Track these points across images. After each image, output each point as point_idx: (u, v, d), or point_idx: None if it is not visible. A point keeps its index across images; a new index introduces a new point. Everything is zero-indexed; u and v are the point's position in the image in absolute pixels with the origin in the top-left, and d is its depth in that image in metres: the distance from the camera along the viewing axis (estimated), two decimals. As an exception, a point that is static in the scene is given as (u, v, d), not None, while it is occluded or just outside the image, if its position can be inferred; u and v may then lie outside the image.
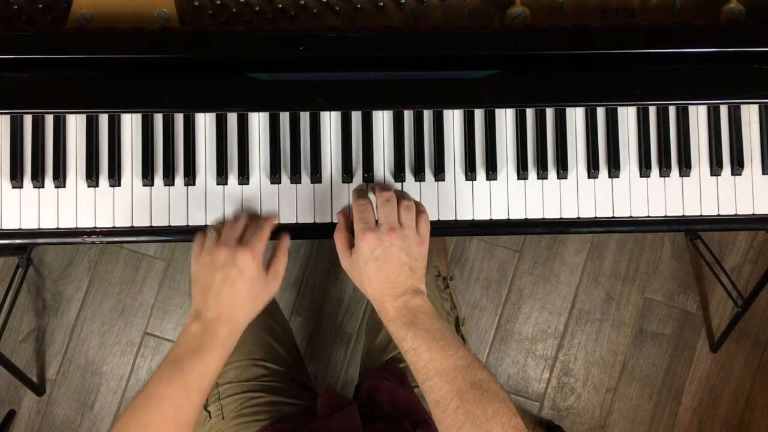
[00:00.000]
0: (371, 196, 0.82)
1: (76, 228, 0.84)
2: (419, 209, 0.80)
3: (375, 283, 0.75)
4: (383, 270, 0.74)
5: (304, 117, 0.85)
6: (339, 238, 0.80)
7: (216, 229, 0.76)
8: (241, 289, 0.72)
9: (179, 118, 0.84)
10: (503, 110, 0.86)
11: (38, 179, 0.83)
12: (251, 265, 0.72)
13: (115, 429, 0.66)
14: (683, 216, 0.86)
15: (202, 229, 0.81)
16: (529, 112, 0.86)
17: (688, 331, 1.66)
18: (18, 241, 0.84)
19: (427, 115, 0.85)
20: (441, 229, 0.85)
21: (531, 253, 1.66)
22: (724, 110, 0.87)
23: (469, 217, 0.86)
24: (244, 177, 0.84)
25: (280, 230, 0.81)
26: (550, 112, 0.86)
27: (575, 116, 0.86)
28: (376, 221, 0.77)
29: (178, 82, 0.80)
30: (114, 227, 0.84)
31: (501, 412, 0.65)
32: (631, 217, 0.86)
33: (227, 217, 0.79)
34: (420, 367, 0.71)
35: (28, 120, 0.84)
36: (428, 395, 0.70)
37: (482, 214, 0.86)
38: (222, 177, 0.84)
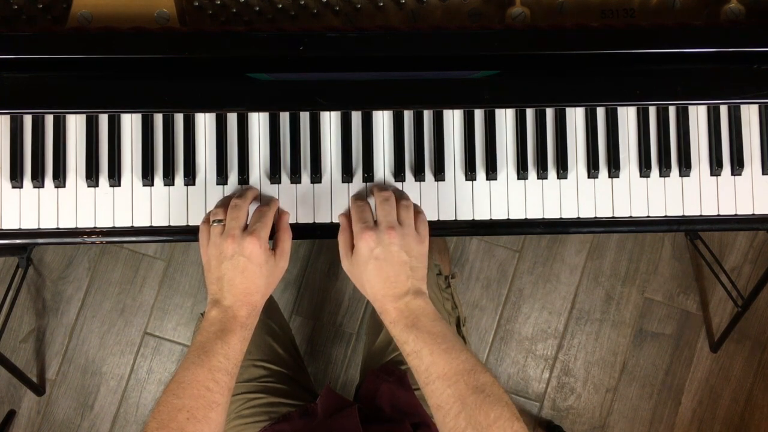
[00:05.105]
0: (370, 200, 0.82)
1: (76, 228, 0.84)
2: (417, 210, 0.80)
3: (375, 283, 0.75)
4: (384, 269, 0.74)
5: (304, 117, 0.85)
6: (342, 240, 0.80)
7: (218, 219, 0.77)
8: (252, 275, 0.75)
9: (179, 118, 0.84)
10: (503, 110, 0.86)
11: (38, 179, 0.83)
12: (258, 251, 0.74)
13: (150, 417, 0.68)
14: (683, 216, 0.86)
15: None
16: (529, 112, 0.86)
17: (688, 331, 1.66)
18: (18, 241, 0.84)
19: (427, 115, 0.85)
20: (441, 229, 0.85)
21: (531, 253, 1.66)
22: (724, 110, 0.87)
23: (469, 217, 0.85)
24: (244, 177, 0.84)
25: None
26: (550, 112, 0.86)
27: (575, 116, 0.86)
28: (375, 221, 0.77)
29: (178, 82, 0.80)
30: (114, 227, 0.84)
31: (503, 417, 0.65)
32: (631, 217, 0.86)
33: (228, 200, 0.80)
34: (422, 371, 0.70)
35: (28, 120, 0.84)
36: (430, 399, 0.70)
37: (482, 214, 0.85)
38: (222, 177, 0.84)
